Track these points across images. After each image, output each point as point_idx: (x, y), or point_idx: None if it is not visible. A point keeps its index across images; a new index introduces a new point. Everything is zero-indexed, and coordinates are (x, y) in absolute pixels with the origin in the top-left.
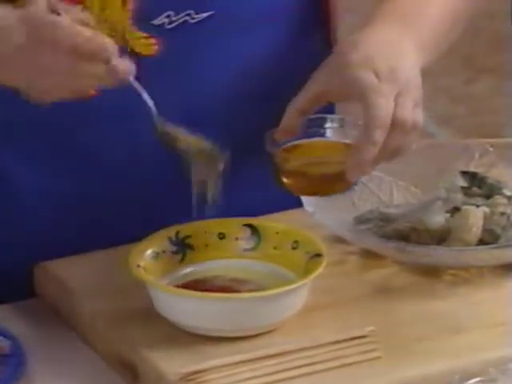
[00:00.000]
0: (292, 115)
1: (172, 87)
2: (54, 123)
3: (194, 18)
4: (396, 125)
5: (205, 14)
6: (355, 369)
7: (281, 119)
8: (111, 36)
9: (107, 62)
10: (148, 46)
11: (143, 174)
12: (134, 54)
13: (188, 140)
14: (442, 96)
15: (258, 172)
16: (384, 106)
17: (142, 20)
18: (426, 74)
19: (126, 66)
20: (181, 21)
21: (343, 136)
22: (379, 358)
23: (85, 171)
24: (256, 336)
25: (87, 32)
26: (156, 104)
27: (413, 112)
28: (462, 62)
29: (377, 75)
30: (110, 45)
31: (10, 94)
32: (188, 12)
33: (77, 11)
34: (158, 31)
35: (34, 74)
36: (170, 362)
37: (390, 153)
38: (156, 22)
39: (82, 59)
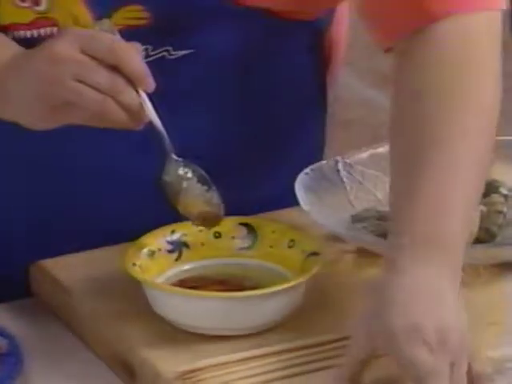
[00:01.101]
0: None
1: (175, 90)
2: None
3: (172, 55)
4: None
5: (184, 52)
6: None
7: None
8: None
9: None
10: None
11: (139, 173)
12: None
13: (190, 202)
14: None
15: (252, 172)
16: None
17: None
18: None
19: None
20: (159, 55)
21: None
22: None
23: (82, 171)
24: (252, 335)
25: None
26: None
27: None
28: None
29: (427, 346)
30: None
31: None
32: (166, 48)
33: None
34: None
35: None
36: (167, 361)
37: None
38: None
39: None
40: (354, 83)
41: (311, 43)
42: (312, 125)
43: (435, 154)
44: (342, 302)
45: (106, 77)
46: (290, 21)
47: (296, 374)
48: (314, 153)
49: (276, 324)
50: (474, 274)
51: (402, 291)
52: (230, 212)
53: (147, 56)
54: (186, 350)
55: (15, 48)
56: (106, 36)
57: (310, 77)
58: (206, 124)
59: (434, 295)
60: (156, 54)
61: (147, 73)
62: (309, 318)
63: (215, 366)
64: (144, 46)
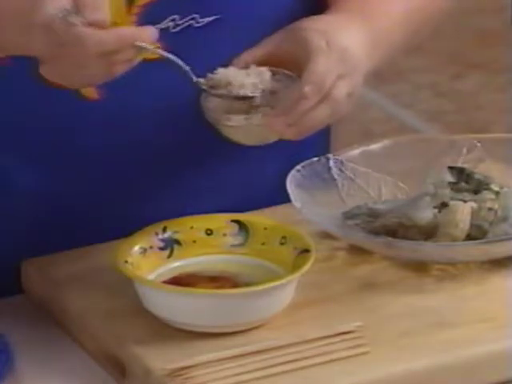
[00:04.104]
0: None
1: (175, 90)
2: (53, 122)
3: (198, 22)
4: (327, 100)
5: (210, 18)
6: (343, 364)
7: None
8: None
9: (135, 46)
10: None
11: (133, 172)
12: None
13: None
14: (430, 92)
15: (243, 170)
16: (326, 72)
17: (147, 24)
18: (414, 69)
19: (150, 33)
20: (185, 25)
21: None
22: (367, 353)
23: (78, 170)
24: (244, 332)
25: (109, 35)
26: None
27: (345, 98)
28: (449, 58)
29: (328, 46)
30: (133, 33)
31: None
32: (193, 16)
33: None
34: (163, 35)
35: (62, 69)
36: (158, 358)
37: (307, 122)
38: (161, 25)
39: (112, 55)
40: None
41: None
42: None
43: None
44: (333, 299)
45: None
46: None
47: (287, 371)
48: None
49: (268, 321)
50: (465, 270)
51: (322, 20)
52: (223, 209)
53: (175, 26)
54: (177, 347)
55: None
56: None
57: None
58: None
59: (352, 34)
60: (183, 24)
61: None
62: (300, 315)
63: (206, 363)
64: (171, 17)
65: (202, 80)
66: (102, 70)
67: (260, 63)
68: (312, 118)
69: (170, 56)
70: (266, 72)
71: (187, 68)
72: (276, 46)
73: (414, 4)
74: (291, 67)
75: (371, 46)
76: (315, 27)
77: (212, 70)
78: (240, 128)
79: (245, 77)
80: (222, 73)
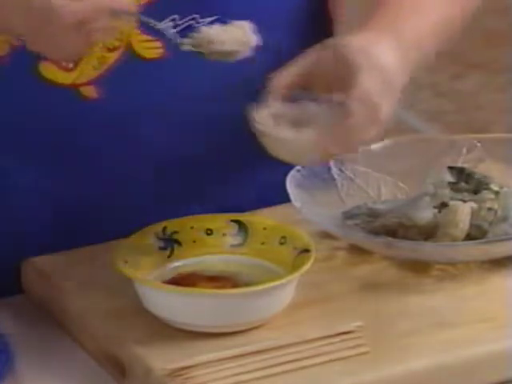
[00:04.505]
0: (277, 90)
1: (176, 90)
2: (53, 123)
3: (199, 23)
4: (373, 116)
5: (210, 19)
6: (343, 364)
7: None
8: (116, 39)
9: (112, 12)
10: (152, 49)
11: (133, 172)
12: (138, 58)
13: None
14: (430, 92)
15: (242, 171)
16: (370, 88)
17: (147, 23)
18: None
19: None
20: (186, 25)
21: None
22: (367, 353)
23: (78, 171)
24: (244, 332)
25: (83, 4)
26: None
27: (388, 113)
28: (449, 58)
29: (368, 63)
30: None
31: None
32: (193, 16)
33: None
34: (163, 34)
35: (40, 42)
36: (158, 358)
37: (354, 139)
38: (161, 25)
39: (88, 24)
40: None
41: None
42: None
43: None
44: (333, 299)
45: None
46: None
47: (287, 371)
48: None
49: (268, 321)
50: (465, 270)
51: (357, 39)
52: (225, 208)
53: (175, 26)
54: (177, 347)
55: None
56: None
57: None
58: None
59: (384, 50)
60: (183, 24)
61: None
62: (300, 315)
63: (207, 363)
64: (171, 16)
65: (185, 40)
66: (82, 40)
67: (295, 84)
68: (359, 135)
69: (152, 20)
70: (245, 24)
71: (171, 32)
72: (312, 65)
73: (446, 13)
74: (329, 85)
75: (404, 60)
76: (354, 44)
77: (211, 73)
78: (287, 142)
79: (225, 33)
80: (204, 31)
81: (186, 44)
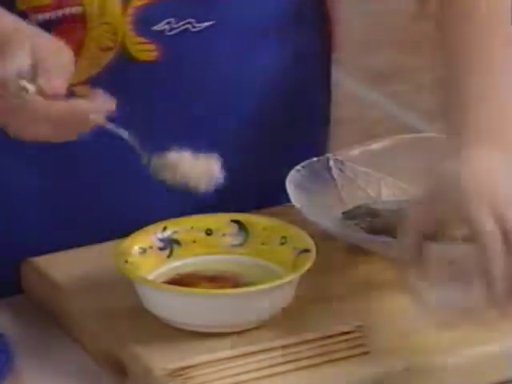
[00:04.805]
0: (415, 244)
1: (170, 94)
2: None
3: (194, 27)
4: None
5: (206, 24)
6: (343, 364)
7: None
8: (111, 40)
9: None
10: (147, 51)
11: (133, 172)
12: (132, 60)
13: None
14: (430, 92)
15: (242, 171)
16: (497, 251)
17: (143, 25)
18: (415, 69)
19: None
20: (181, 28)
21: None
22: (367, 353)
23: (78, 171)
24: (244, 332)
25: (60, 107)
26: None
27: None
28: None
29: (493, 209)
30: (87, 108)
31: None
32: (189, 20)
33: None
34: (158, 37)
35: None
36: (158, 358)
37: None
38: (156, 28)
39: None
40: (346, 81)
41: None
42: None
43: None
44: (333, 299)
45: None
46: None
47: (288, 371)
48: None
49: (268, 321)
50: None
51: (469, 164)
52: (223, 209)
53: (170, 29)
54: (177, 347)
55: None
56: None
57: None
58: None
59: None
60: (179, 27)
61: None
62: (300, 315)
63: (207, 363)
64: (167, 19)
65: (153, 160)
66: (49, 134)
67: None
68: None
69: (123, 134)
70: (214, 160)
71: (137, 146)
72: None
73: None
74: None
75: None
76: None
77: (206, 78)
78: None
79: (192, 166)
80: (173, 159)
81: (153, 164)
